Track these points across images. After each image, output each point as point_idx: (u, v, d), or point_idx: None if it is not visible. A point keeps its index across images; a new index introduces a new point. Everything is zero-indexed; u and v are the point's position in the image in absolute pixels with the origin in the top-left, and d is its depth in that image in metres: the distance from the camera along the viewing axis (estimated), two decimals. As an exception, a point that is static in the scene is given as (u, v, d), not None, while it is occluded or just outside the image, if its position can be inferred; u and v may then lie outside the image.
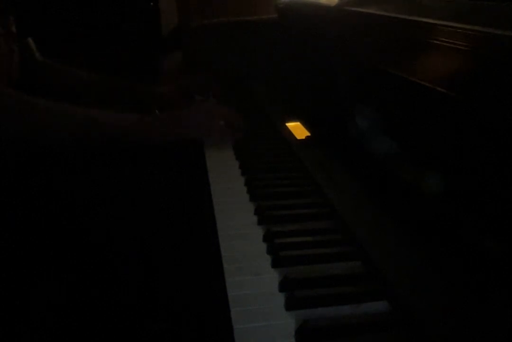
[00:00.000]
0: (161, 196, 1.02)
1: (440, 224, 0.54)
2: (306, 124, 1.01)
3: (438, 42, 0.54)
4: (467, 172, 0.53)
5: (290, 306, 0.49)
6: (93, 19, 1.76)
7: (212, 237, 0.64)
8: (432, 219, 0.55)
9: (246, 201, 0.74)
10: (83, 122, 0.80)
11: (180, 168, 1.07)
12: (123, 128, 0.83)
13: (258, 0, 1.96)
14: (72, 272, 0.87)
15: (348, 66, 0.85)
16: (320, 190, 0.73)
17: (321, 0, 1.03)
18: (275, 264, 0.57)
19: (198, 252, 0.85)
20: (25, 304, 0.79)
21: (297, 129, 1.00)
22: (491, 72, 0.46)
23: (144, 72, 1.74)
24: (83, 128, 0.80)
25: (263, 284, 0.53)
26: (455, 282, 0.47)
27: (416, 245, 0.54)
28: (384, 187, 0.67)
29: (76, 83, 1.13)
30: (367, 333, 0.46)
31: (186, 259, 0.90)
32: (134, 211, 0.99)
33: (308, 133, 0.96)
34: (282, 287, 0.52)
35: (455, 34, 0.51)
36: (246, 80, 1.43)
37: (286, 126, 1.02)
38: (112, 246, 0.94)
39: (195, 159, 0.95)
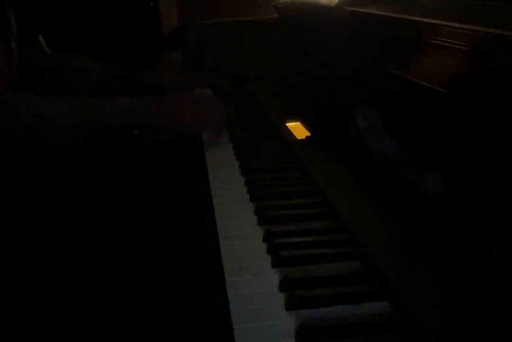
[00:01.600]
0: (161, 196, 1.02)
1: (441, 223, 0.54)
2: (306, 124, 1.01)
3: (438, 42, 0.54)
4: (467, 171, 0.53)
5: (290, 306, 0.49)
6: (92, 19, 1.76)
7: (212, 237, 0.64)
8: (433, 219, 0.55)
9: (246, 201, 0.74)
10: (76, 114, 0.79)
11: (180, 168, 1.07)
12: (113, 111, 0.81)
13: (258, 0, 1.97)
14: (72, 272, 0.87)
15: (348, 66, 0.85)
16: (320, 190, 0.73)
17: (321, 0, 1.03)
18: (275, 264, 0.57)
19: (198, 252, 0.85)
20: (23, 302, 0.80)
21: (297, 129, 1.00)
22: (491, 72, 0.46)
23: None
24: (77, 119, 0.78)
25: (263, 284, 0.53)
26: (456, 282, 0.47)
27: (417, 245, 0.54)
28: (384, 187, 0.67)
29: (89, 72, 1.14)
30: (367, 333, 0.46)
31: (186, 259, 0.90)
32: (134, 211, 0.99)
33: (308, 133, 0.95)
34: (282, 287, 0.52)
35: (455, 34, 0.51)
36: (245, 80, 1.43)
37: (286, 126, 1.02)
38: (112, 246, 0.94)
39: (195, 159, 0.95)
